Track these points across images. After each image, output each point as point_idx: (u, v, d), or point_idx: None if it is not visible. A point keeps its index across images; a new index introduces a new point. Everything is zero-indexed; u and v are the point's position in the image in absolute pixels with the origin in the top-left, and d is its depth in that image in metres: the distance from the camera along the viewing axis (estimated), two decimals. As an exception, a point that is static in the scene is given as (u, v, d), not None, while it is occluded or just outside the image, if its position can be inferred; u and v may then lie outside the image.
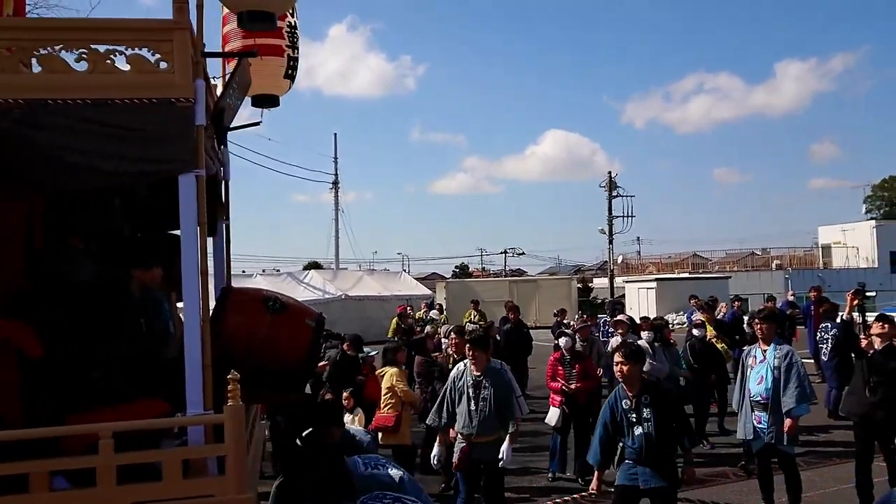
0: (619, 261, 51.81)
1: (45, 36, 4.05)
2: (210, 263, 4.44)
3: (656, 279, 40.35)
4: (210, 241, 5.75)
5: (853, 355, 8.90)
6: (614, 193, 46.97)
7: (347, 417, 8.86)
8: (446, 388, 7.35)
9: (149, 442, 4.00)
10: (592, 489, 6.21)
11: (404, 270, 50.85)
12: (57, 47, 4.02)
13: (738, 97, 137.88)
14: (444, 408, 7.25)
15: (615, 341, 12.02)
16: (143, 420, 3.97)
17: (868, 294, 16.48)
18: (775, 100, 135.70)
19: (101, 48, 4.02)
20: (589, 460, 6.40)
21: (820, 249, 50.40)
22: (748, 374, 7.96)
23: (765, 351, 7.88)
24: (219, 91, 4.92)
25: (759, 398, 7.77)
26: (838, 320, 10.93)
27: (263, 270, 40.02)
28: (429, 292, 37.53)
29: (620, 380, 6.16)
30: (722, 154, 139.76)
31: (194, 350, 3.94)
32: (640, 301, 36.64)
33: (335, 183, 50.35)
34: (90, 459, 3.79)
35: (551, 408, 9.86)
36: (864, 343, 8.20)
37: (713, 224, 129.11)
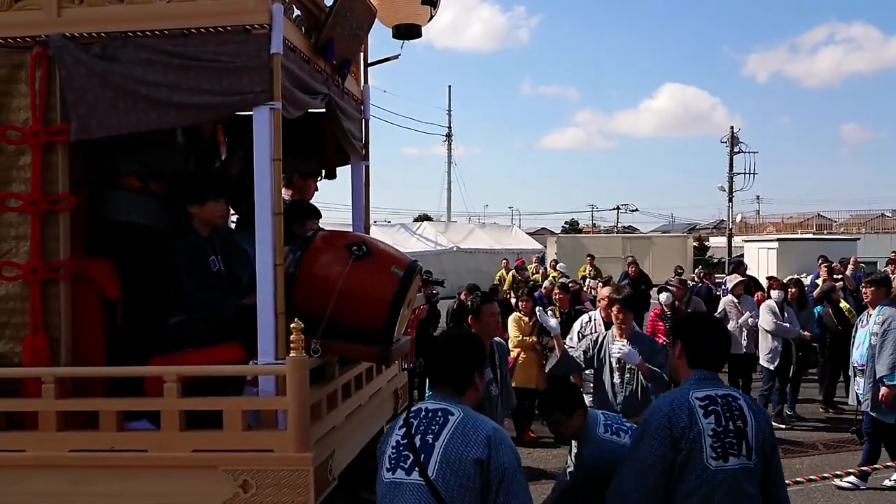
0: (738, 219, 49.74)
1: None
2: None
3: (778, 239, 38.45)
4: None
5: None
6: (736, 149, 44.95)
7: None
8: (581, 348, 6.37)
9: (234, 388, 3.88)
10: None
11: (514, 224, 50.42)
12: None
13: (873, 48, 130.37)
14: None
15: (727, 300, 11.66)
16: (206, 366, 3.84)
17: None
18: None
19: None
20: None
21: (962, 212, 47.05)
22: (856, 333, 7.90)
23: (870, 315, 7.67)
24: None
25: (856, 364, 7.69)
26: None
27: (375, 221, 40.32)
28: (540, 247, 37.12)
29: None
30: (851, 109, 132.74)
31: (267, 296, 3.73)
32: (760, 261, 35.08)
33: (448, 136, 50.22)
34: (155, 402, 3.73)
35: None
36: None
37: (838, 183, 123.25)
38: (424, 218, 48.55)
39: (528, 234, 44.54)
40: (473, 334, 3.78)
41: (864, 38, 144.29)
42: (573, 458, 4.55)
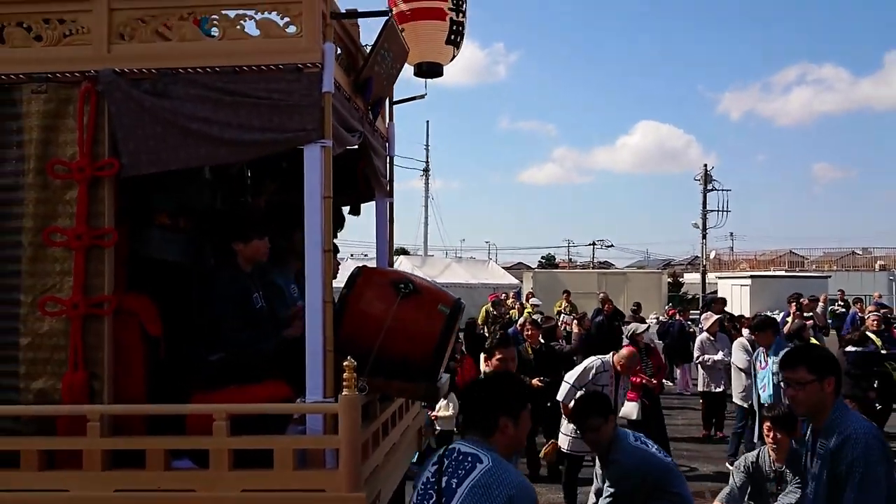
0: (712, 256, 50.28)
1: (179, 3, 3.91)
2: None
3: (751, 276, 39.00)
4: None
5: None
6: (709, 187, 45.54)
7: (441, 402, 8.80)
8: (736, 475, 5.76)
9: (277, 426, 3.83)
10: None
11: (491, 259, 50.54)
12: (189, 14, 3.89)
13: (843, 89, 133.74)
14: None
15: (703, 338, 11.81)
16: (257, 404, 3.81)
17: None
18: (884, 92, 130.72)
19: (232, 13, 3.87)
20: None
21: (929, 251, 47.96)
22: (757, 375, 8.40)
23: (766, 356, 8.15)
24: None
25: (766, 405, 7.85)
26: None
27: (352, 255, 40.23)
28: (516, 282, 37.18)
29: None
30: (823, 148, 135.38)
31: (315, 333, 3.72)
32: (734, 298, 35.41)
33: (426, 170, 50.35)
34: (204, 441, 3.68)
35: (626, 402, 9.54)
36: None
37: (810, 221, 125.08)
38: (401, 252, 48.45)
39: (504, 268, 44.66)
40: (503, 375, 3.76)
41: (835, 79, 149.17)
42: (602, 469, 4.85)
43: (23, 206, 3.86)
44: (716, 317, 12.49)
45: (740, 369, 10.42)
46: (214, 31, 3.96)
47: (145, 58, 3.86)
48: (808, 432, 3.94)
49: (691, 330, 16.97)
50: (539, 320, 11.66)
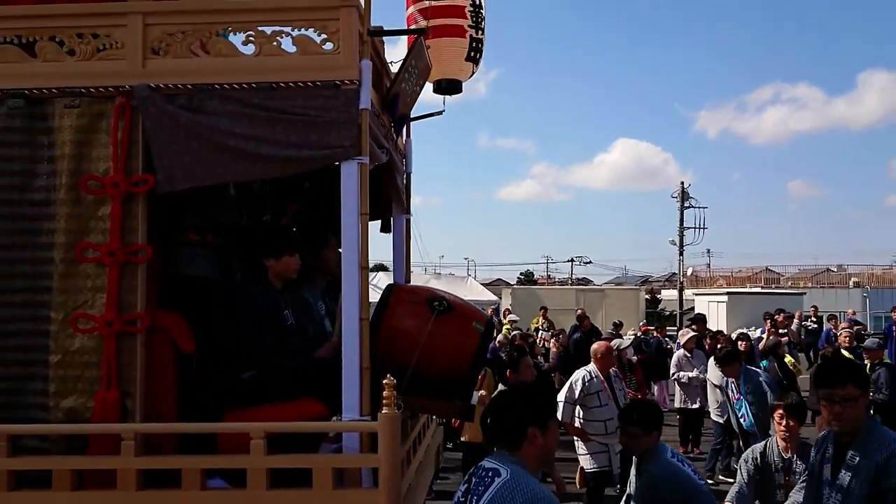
0: (689, 273, 50.62)
1: (215, 19, 3.90)
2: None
3: (727, 293, 39.26)
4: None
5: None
6: (686, 204, 45.87)
7: None
8: (743, 469, 5.62)
9: (309, 445, 3.78)
10: None
11: (470, 276, 50.52)
12: (225, 30, 3.89)
13: (816, 108, 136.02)
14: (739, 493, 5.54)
15: (679, 355, 11.91)
16: (295, 422, 3.77)
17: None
18: (856, 112, 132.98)
19: (268, 30, 3.86)
20: None
21: (901, 268, 48.71)
22: (733, 405, 8.62)
23: (736, 386, 8.40)
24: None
25: (752, 431, 8.22)
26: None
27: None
28: (495, 298, 37.18)
29: None
30: (797, 167, 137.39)
31: (352, 351, 3.70)
32: (710, 315, 35.66)
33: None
34: (241, 459, 3.62)
35: None
36: None
37: (786, 238, 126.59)
38: (380, 268, 48.28)
39: (483, 285, 44.61)
40: (527, 386, 3.76)
41: (809, 98, 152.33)
42: (636, 478, 4.77)
43: (54, 222, 3.81)
44: (692, 333, 12.60)
45: (716, 386, 10.44)
46: (248, 48, 3.94)
47: (180, 73, 3.83)
48: (822, 439, 3.96)
49: (668, 346, 17.07)
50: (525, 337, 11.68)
